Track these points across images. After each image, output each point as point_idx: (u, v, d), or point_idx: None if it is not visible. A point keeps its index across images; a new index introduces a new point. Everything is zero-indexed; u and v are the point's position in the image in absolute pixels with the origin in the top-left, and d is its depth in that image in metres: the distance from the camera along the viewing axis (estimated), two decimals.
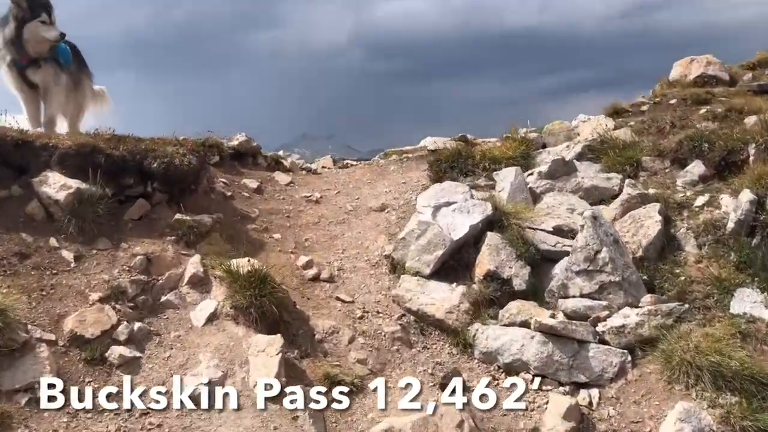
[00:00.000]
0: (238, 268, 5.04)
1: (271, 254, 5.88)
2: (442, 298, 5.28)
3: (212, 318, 4.89)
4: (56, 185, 5.32)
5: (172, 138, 6.37)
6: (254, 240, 6.10)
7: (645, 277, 5.28)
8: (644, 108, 8.90)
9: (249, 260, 5.22)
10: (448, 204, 5.78)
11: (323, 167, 9.64)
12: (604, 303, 4.96)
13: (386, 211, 7.01)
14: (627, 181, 6.46)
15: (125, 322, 4.65)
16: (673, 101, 8.68)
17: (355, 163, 9.68)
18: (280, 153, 10.12)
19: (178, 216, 5.66)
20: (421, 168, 8.87)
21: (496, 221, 5.74)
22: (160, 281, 5.15)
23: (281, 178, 8.00)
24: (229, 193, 6.86)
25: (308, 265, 5.85)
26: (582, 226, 5.28)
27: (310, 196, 7.44)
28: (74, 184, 5.33)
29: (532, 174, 6.73)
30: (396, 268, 5.77)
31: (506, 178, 6.37)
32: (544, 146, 7.83)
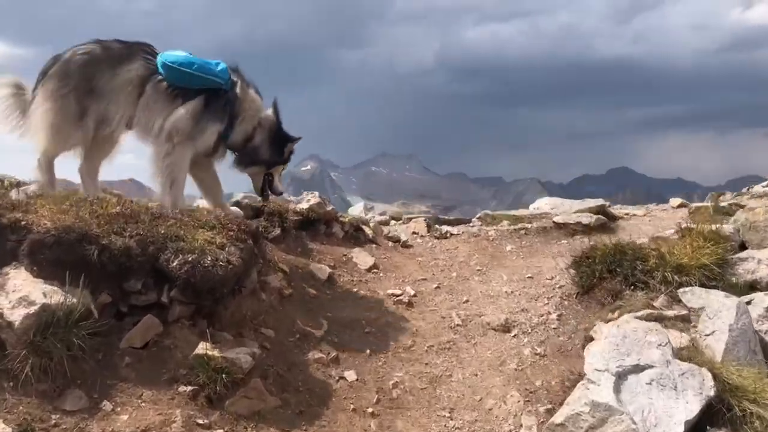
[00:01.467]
0: None
1: (339, 417, 3.73)
2: None
3: None
4: (15, 295, 3.38)
5: (207, 216, 4.35)
6: (316, 385, 3.96)
7: None
8: None
9: None
10: (639, 368, 3.45)
11: (414, 234, 7.49)
12: None
13: (513, 333, 4.75)
14: None
15: None
16: None
17: (455, 232, 7.47)
18: (362, 213, 8.06)
19: (200, 349, 3.61)
20: (549, 251, 6.60)
21: (716, 407, 3.38)
22: None
23: (361, 258, 5.89)
24: (288, 291, 4.79)
25: None
26: None
27: (401, 295, 5.27)
28: (40, 296, 3.36)
29: (749, 304, 4.31)
30: None
31: (717, 315, 3.99)
32: (743, 246, 5.37)
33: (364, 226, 6.85)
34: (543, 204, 9.01)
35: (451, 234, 7.43)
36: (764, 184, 11.83)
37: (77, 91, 4.49)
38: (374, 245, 6.61)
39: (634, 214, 7.76)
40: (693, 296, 4.45)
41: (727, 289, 4.65)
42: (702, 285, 4.66)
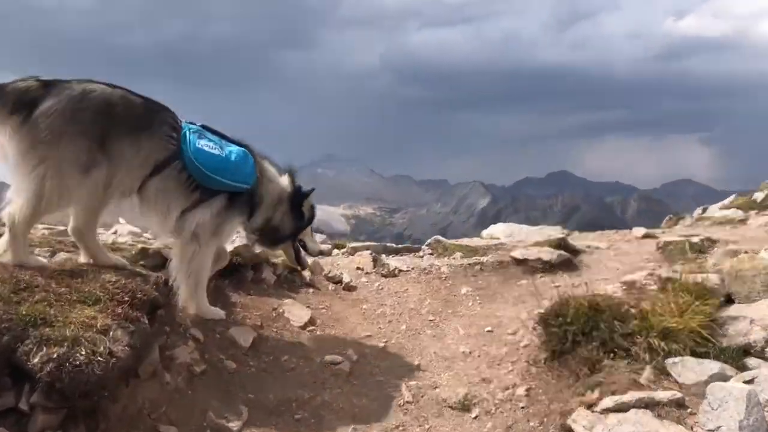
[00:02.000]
0: None
1: None
2: None
3: None
4: None
5: (92, 284, 3.41)
6: None
7: None
8: None
9: None
10: None
11: (359, 270, 6.68)
12: None
13: (473, 414, 3.96)
14: None
15: None
16: None
17: (404, 267, 6.68)
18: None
19: None
20: (509, 293, 5.90)
21: None
22: None
23: (295, 313, 5.02)
24: (201, 368, 3.88)
25: None
26: None
27: (341, 363, 4.42)
28: None
29: (750, 383, 3.66)
30: None
31: (723, 406, 3.28)
32: (729, 298, 4.75)
33: (298, 269, 5.98)
34: (498, 231, 8.33)
35: (400, 271, 6.64)
36: (719, 205, 11.58)
37: (89, 139, 3.62)
38: (312, 290, 5.77)
39: (597, 247, 7.14)
40: (684, 369, 3.80)
41: (719, 356, 4.02)
42: (692, 352, 4.01)
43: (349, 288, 6.05)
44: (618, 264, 6.45)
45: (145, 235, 8.93)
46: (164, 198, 3.99)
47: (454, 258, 7.26)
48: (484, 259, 6.83)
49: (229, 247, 5.25)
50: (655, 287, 4.96)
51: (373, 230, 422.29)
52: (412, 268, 6.68)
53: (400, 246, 8.28)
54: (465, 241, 7.83)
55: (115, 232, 9.05)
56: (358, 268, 6.78)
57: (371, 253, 7.13)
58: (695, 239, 6.24)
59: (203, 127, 4.25)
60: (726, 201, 10.98)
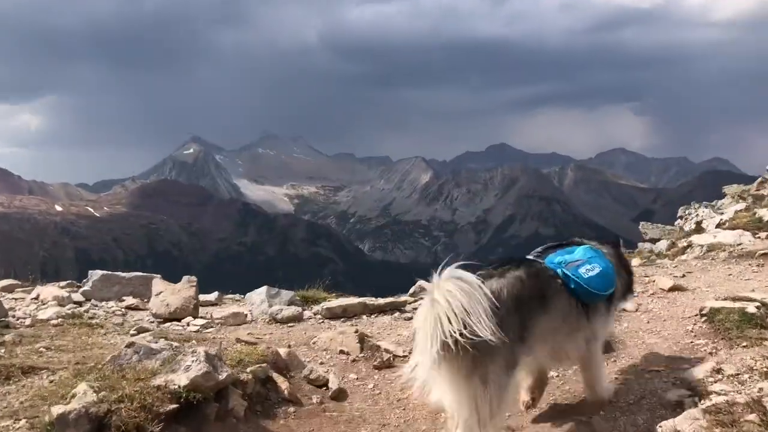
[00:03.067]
0: None
1: None
2: None
3: None
4: None
5: None
6: None
7: None
8: None
9: None
10: None
11: (344, 354, 5.43)
12: None
13: None
14: None
15: None
16: None
17: (402, 353, 5.43)
18: (264, 304, 5.84)
19: None
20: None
21: None
22: None
23: None
24: None
25: None
26: None
27: None
28: None
29: None
30: None
31: None
32: None
33: (274, 375, 4.65)
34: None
35: (396, 357, 5.38)
36: (717, 221, 10.77)
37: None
38: (293, 408, 4.48)
39: (623, 309, 6.04)
40: None
41: None
42: None
43: (339, 396, 4.77)
44: (657, 338, 5.37)
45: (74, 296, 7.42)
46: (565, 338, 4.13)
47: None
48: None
49: (183, 379, 3.87)
50: (742, 401, 3.86)
51: (318, 209, 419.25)
52: (410, 353, 5.42)
53: (382, 302, 7.02)
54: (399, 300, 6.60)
55: (36, 297, 7.55)
56: (342, 352, 5.51)
57: (355, 328, 5.86)
58: (750, 308, 5.19)
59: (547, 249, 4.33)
60: (724, 217, 10.12)
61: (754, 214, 9.61)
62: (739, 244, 8.12)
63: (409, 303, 7.17)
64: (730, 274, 6.94)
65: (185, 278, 7.03)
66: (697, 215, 15.03)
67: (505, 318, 3.50)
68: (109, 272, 7.80)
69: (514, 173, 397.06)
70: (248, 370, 4.46)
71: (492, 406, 3.50)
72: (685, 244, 8.96)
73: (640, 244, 19.31)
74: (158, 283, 7.02)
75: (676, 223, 18.59)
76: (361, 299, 7.08)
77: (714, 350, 4.90)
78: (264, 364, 4.57)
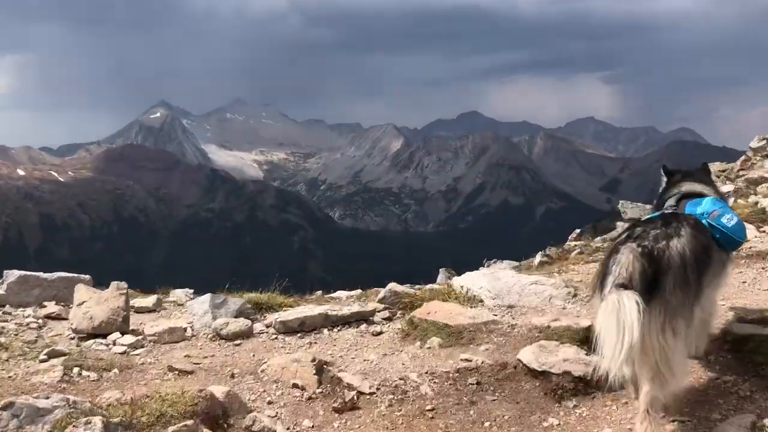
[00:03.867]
0: None
1: None
2: None
3: None
4: None
5: None
6: None
7: None
8: None
9: None
10: None
11: (297, 389, 4.51)
12: None
13: None
14: None
15: None
16: None
17: (368, 390, 4.47)
18: (208, 316, 4.80)
19: None
20: None
21: None
22: None
23: None
24: None
25: None
26: None
27: None
28: None
29: None
30: None
31: None
32: None
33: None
34: (477, 286, 6.17)
35: (360, 394, 4.43)
36: None
37: None
38: None
39: None
40: None
41: None
42: None
43: None
44: None
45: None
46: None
47: (429, 347, 5.13)
48: (477, 360, 4.72)
49: None
50: None
51: (288, 176, 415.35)
52: (378, 388, 4.48)
53: (346, 311, 6.03)
54: (439, 312, 5.64)
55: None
56: (296, 386, 4.54)
57: (312, 355, 4.87)
58: None
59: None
60: None
61: (757, 204, 8.80)
62: (746, 241, 7.28)
63: (378, 311, 6.21)
64: (743, 282, 6.10)
65: (114, 285, 5.95)
66: None
67: (689, 276, 3.62)
68: (28, 273, 6.66)
69: (484, 141, 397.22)
70: (169, 431, 3.44)
71: (679, 359, 3.62)
72: None
73: (618, 224, 18.54)
74: (82, 290, 5.92)
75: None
76: (322, 308, 6.09)
77: (748, 393, 4.04)
78: (190, 422, 3.55)
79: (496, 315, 5.55)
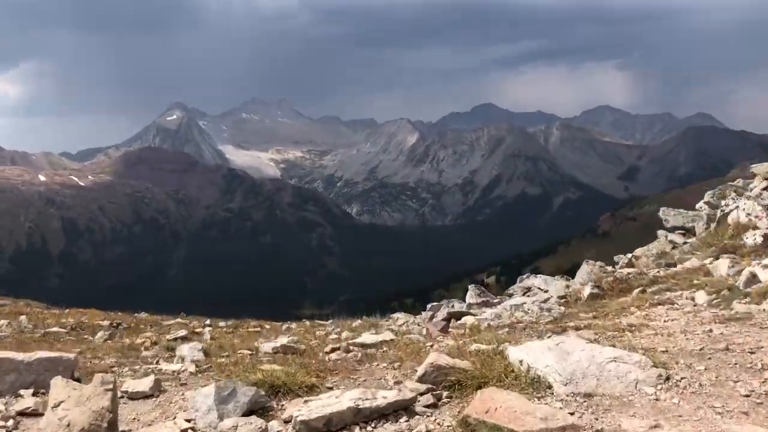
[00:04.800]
0: None
1: None
2: None
3: None
4: None
5: None
6: None
7: None
8: None
9: None
10: None
11: None
12: None
13: None
14: None
15: None
16: None
17: None
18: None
19: None
20: None
21: None
22: None
23: None
24: None
25: None
26: None
27: None
28: None
29: None
30: None
31: None
32: None
33: None
34: (542, 363, 5.00)
35: None
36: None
37: None
38: None
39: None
40: None
41: None
42: None
43: None
44: None
45: None
46: None
47: None
48: None
49: None
50: None
51: (304, 173, 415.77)
52: None
53: (381, 402, 4.88)
54: (500, 410, 4.47)
55: None
56: None
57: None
58: None
59: None
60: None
61: None
62: None
63: (421, 395, 5.08)
64: None
65: (98, 378, 4.86)
66: (737, 206, 12.87)
67: None
68: (1, 355, 5.62)
69: (500, 133, 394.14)
70: None
71: None
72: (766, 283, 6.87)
73: (659, 233, 17.12)
74: (59, 386, 4.84)
75: (698, 206, 16.47)
76: (352, 395, 4.96)
77: None
78: None
79: (572, 412, 4.39)
